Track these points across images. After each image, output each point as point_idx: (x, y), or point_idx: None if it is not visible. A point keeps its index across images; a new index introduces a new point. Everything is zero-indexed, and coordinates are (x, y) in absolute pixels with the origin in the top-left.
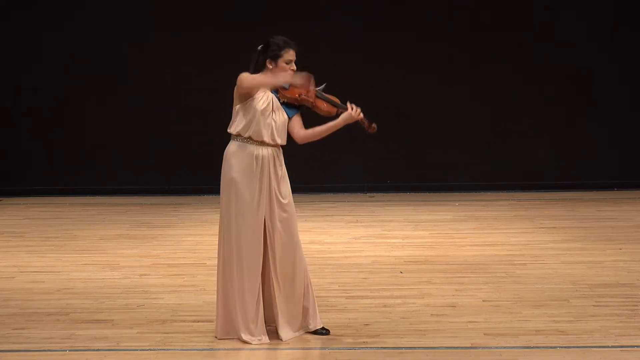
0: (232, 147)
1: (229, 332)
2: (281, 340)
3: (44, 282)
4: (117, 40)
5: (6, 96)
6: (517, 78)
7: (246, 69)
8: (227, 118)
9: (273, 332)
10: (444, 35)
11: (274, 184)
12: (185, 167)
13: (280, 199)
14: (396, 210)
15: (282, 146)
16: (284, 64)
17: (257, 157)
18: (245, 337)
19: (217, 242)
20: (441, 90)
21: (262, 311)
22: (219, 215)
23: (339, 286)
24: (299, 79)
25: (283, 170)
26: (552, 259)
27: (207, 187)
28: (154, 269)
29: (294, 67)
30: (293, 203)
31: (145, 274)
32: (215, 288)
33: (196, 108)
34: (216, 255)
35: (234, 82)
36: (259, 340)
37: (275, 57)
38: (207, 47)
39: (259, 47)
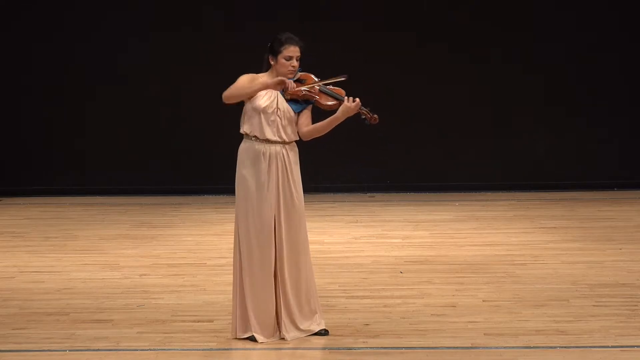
0: (242, 145)
1: (245, 330)
2: (286, 340)
3: (44, 282)
4: (116, 39)
5: (6, 96)
6: (517, 77)
7: (246, 69)
8: (228, 118)
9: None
10: (443, 35)
11: (282, 182)
12: (185, 167)
13: (290, 197)
14: (396, 210)
15: (296, 142)
16: (284, 60)
17: (263, 155)
18: (256, 336)
19: (218, 242)
20: (441, 90)
21: (275, 310)
22: (219, 215)
23: (339, 286)
24: (273, 84)
25: (294, 168)
26: (552, 259)
27: (207, 187)
28: (154, 269)
29: (295, 64)
30: (303, 203)
31: (145, 274)
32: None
33: (196, 108)
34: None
35: (234, 82)
36: (269, 339)
37: (275, 53)
38: (207, 46)
39: (269, 44)
